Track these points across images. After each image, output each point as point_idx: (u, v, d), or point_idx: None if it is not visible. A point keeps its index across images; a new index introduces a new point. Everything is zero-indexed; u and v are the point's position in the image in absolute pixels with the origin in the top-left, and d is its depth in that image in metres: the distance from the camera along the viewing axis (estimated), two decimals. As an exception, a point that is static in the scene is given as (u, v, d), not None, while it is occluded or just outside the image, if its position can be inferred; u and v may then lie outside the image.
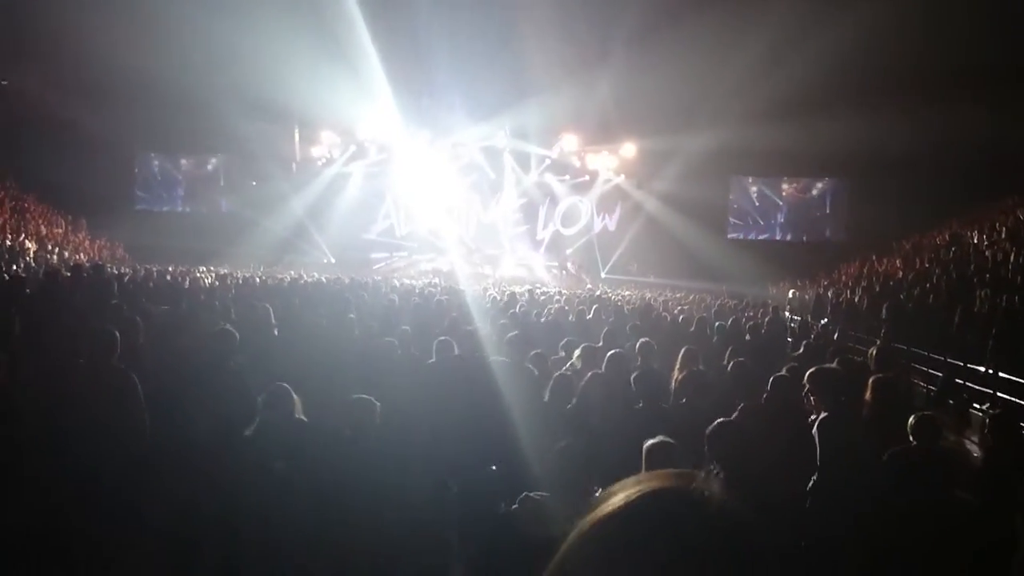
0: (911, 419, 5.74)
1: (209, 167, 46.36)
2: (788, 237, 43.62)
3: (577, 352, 9.05)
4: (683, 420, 6.66)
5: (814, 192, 44.09)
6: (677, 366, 8.30)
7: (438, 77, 40.21)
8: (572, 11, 36.95)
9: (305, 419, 6.05)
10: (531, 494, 3.79)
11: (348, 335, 9.67)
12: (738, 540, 1.00)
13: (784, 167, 42.10)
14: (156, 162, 46.10)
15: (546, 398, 6.94)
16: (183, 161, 46.28)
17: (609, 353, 7.94)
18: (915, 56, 31.73)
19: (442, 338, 8.37)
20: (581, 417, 6.79)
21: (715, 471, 4.41)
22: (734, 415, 6.42)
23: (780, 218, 44.42)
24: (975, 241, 25.36)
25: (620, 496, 1.06)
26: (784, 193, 44.42)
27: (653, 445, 4.49)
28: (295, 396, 5.87)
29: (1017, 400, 12.21)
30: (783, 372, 7.29)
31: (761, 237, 43.63)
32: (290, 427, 5.99)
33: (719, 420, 5.10)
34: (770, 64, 33.10)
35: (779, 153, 37.02)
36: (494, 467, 7.30)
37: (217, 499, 6.15)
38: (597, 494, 1.11)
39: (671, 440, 4.61)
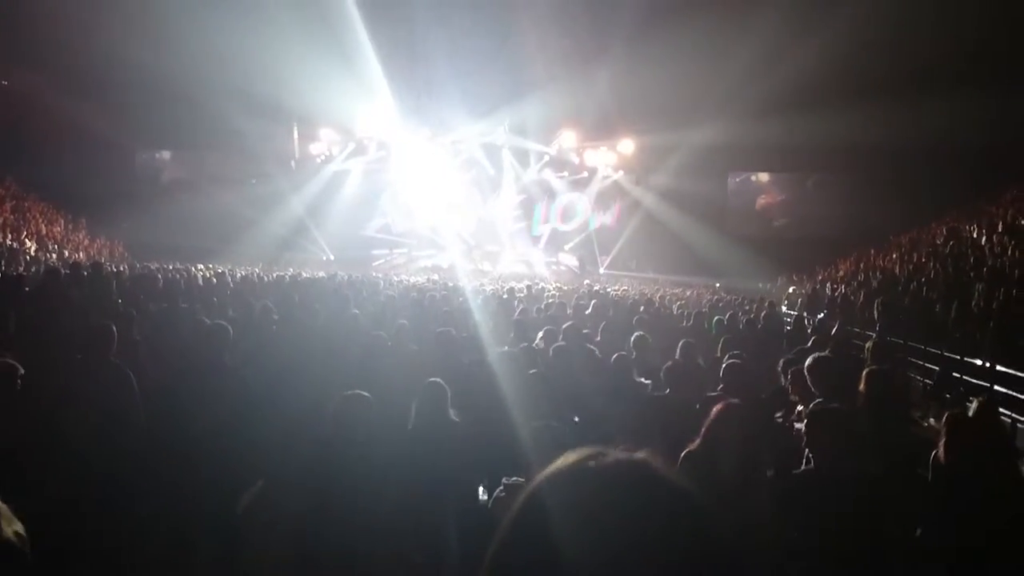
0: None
1: (208, 165, 46.32)
2: (785, 232, 43.50)
3: (540, 334, 9.17)
4: (662, 409, 6.78)
5: (810, 186, 44.08)
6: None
7: (437, 73, 40.20)
8: (570, 7, 36.96)
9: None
10: (506, 481, 3.82)
11: (345, 331, 9.69)
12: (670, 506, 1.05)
13: (782, 162, 42.11)
14: (155, 160, 46.11)
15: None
16: (182, 159, 46.27)
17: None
18: (912, 50, 31.75)
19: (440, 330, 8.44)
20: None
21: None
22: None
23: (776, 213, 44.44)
24: (973, 235, 25.36)
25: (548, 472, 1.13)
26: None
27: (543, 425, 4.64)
28: None
29: (1015, 394, 12.23)
30: (737, 360, 7.39)
31: (758, 232, 43.57)
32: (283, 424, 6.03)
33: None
34: (768, 60, 33.07)
35: (777, 148, 37.09)
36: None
37: (214, 494, 6.19)
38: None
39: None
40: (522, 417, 6.10)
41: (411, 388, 6.39)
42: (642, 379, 8.12)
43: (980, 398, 7.76)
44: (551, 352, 8.31)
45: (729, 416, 4.71)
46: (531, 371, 7.49)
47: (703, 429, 4.71)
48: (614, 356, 8.13)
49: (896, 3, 30.56)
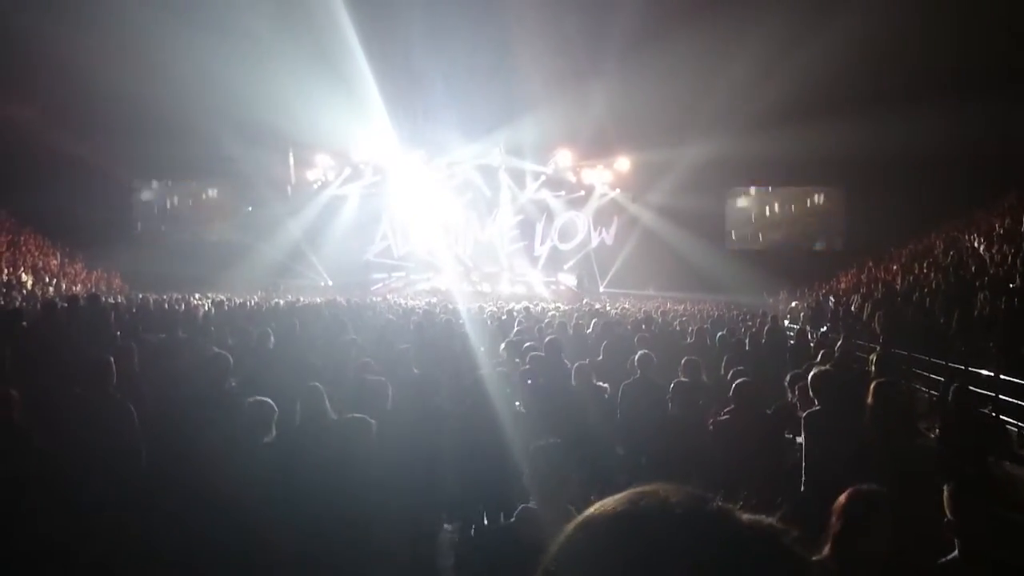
0: None
1: (204, 193, 46.42)
2: (785, 246, 43.46)
3: (503, 346, 9.13)
4: (668, 428, 6.72)
5: (809, 201, 44.07)
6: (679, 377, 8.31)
7: (432, 97, 40.35)
8: (564, 28, 37.12)
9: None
10: (529, 505, 3.75)
11: (343, 356, 9.65)
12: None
13: (779, 176, 42.14)
14: (151, 190, 46.15)
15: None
16: (178, 188, 46.33)
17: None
18: (906, 62, 31.85)
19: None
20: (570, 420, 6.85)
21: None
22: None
23: (775, 227, 44.40)
24: (973, 245, 25.32)
25: (609, 501, 1.03)
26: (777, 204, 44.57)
27: (539, 446, 4.43)
28: None
29: (1021, 403, 12.15)
30: (748, 379, 7.32)
31: (757, 247, 43.58)
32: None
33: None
34: (762, 74, 33.18)
35: (773, 162, 37.13)
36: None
37: (219, 522, 6.13)
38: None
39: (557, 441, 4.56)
40: (518, 437, 6.04)
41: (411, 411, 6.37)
42: (600, 383, 8.17)
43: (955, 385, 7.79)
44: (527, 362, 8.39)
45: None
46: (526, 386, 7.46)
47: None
48: (575, 364, 8.20)
49: (888, 14, 30.64)
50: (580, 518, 1.03)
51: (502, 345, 10.15)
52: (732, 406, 6.77)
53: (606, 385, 8.24)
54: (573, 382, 8.09)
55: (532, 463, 4.32)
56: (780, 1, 32.33)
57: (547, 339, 10.41)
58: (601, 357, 9.88)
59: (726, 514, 1.00)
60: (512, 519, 3.78)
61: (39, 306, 15.32)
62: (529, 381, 8.12)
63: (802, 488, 5.90)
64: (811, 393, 6.39)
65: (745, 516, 1.00)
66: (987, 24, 30.70)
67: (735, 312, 24.28)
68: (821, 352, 10.77)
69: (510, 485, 5.11)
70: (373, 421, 5.53)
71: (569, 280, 41.99)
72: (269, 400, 6.01)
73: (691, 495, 1.01)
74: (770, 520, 1.02)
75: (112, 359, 6.65)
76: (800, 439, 6.30)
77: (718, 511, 1.00)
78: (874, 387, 6.46)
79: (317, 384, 6.54)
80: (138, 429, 6.34)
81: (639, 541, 0.97)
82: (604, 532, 0.99)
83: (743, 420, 6.53)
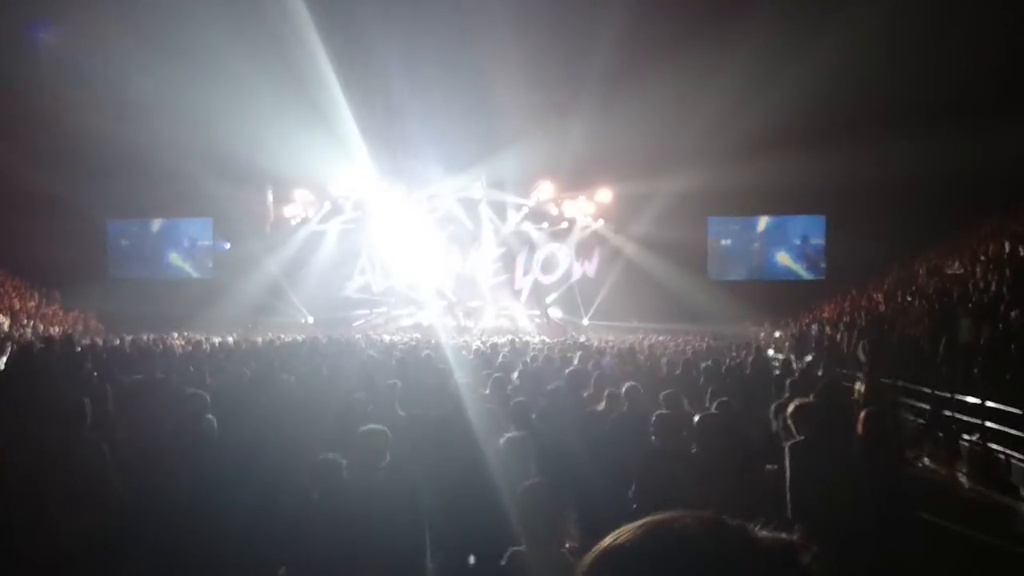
0: None
1: (181, 232, 46.15)
2: (768, 276, 43.51)
3: (514, 376, 9.10)
4: (652, 459, 6.63)
5: (790, 229, 44.19)
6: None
7: (412, 131, 40.28)
8: (543, 61, 37.26)
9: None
10: (517, 548, 3.62)
11: (321, 394, 9.57)
12: None
13: (760, 205, 42.27)
14: (128, 229, 45.86)
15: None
16: (154, 227, 46.04)
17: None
18: (885, 90, 32.13)
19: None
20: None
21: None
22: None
23: (759, 257, 44.44)
24: (956, 271, 25.40)
25: (624, 531, 1.01)
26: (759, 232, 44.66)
27: (526, 486, 4.31)
28: None
29: (1007, 429, 12.11)
30: (713, 412, 7.29)
31: (741, 277, 43.62)
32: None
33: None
34: (741, 103, 33.39)
35: (755, 191, 37.21)
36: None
37: (198, 559, 6.06)
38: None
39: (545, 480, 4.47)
40: (507, 475, 5.92)
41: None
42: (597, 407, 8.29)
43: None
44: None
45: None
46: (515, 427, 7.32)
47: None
48: (606, 391, 8.22)
49: (865, 44, 30.92)
50: (598, 550, 1.01)
51: (510, 375, 10.13)
52: (696, 447, 6.68)
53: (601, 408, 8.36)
54: (600, 408, 8.20)
55: (521, 504, 4.20)
56: (757, 33, 32.56)
57: (568, 371, 10.46)
58: (592, 390, 9.83)
59: (744, 534, 0.99)
60: (502, 562, 3.65)
61: (15, 349, 15.15)
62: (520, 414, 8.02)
63: (789, 515, 5.83)
64: (792, 424, 6.34)
65: (763, 534, 1.00)
66: (967, 52, 30.97)
67: (720, 343, 24.25)
68: (787, 382, 10.57)
69: (498, 525, 4.99)
70: (344, 461, 5.46)
71: (555, 313, 41.90)
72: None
73: (707, 519, 0.99)
74: (789, 538, 1.01)
75: (87, 400, 6.55)
76: (783, 468, 6.23)
77: (736, 531, 0.99)
78: (864, 416, 6.41)
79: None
80: (112, 470, 6.25)
81: (662, 569, 0.94)
82: (625, 563, 0.96)
83: (709, 452, 6.46)
